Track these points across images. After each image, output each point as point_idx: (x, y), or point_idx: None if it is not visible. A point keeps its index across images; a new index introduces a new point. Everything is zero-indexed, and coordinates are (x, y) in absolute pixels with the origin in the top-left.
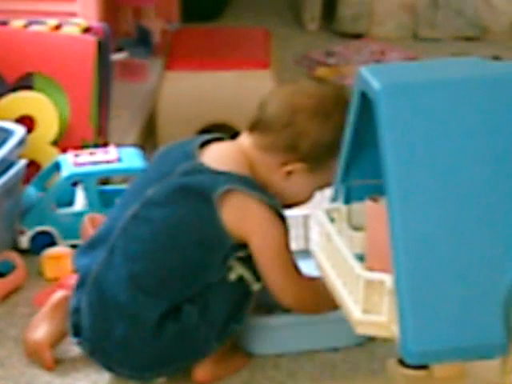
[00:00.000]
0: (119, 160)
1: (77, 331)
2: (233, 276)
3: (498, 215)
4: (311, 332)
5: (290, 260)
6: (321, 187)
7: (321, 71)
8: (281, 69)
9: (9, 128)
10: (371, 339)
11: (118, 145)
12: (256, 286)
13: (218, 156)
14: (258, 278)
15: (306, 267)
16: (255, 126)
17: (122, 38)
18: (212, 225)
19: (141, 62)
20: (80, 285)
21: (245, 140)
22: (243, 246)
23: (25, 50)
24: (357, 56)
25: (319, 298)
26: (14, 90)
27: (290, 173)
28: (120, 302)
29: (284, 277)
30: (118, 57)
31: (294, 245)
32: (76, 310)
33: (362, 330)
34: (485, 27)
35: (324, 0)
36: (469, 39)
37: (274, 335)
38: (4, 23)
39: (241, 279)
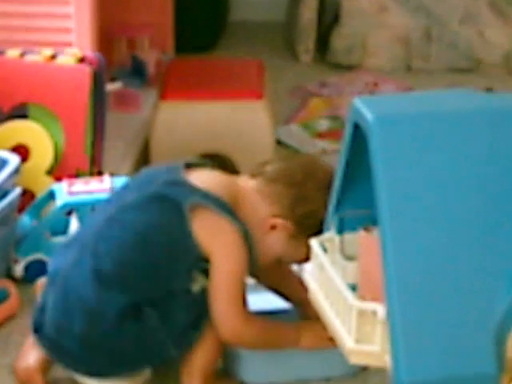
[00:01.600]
0: (113, 190)
1: (38, 329)
2: (196, 287)
3: (490, 246)
4: (304, 361)
5: (240, 292)
6: (288, 259)
7: (314, 102)
8: (274, 100)
9: (3, 157)
10: (364, 369)
11: (113, 174)
12: None
13: (204, 177)
14: None
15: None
16: (262, 173)
17: (117, 68)
18: (181, 233)
19: (135, 92)
20: (49, 284)
21: (245, 180)
22: (208, 259)
23: (20, 80)
24: (350, 87)
25: (260, 339)
26: (9, 119)
27: (273, 227)
28: (82, 296)
29: (229, 305)
30: (112, 87)
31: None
32: (41, 309)
33: (354, 360)
34: (478, 59)
35: (318, 32)
36: (462, 71)
37: (266, 364)
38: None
39: (204, 290)
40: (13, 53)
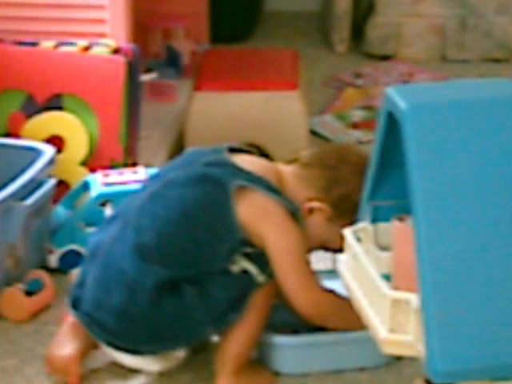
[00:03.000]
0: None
1: (76, 304)
2: (235, 268)
3: None
4: (338, 351)
5: (306, 265)
6: (329, 244)
7: (349, 93)
8: (309, 90)
9: (38, 148)
10: (398, 359)
11: (147, 165)
12: (260, 278)
13: (248, 160)
14: (262, 270)
15: (333, 287)
16: (298, 159)
17: (151, 58)
18: (225, 213)
19: (170, 82)
20: (89, 259)
21: (283, 166)
22: (252, 244)
23: (54, 71)
24: (385, 77)
25: (337, 310)
26: (44, 110)
27: (310, 210)
28: (121, 269)
29: (300, 279)
30: (147, 77)
31: (322, 265)
32: (80, 284)
33: (388, 350)
34: None
35: (353, 22)
36: (497, 61)
37: (301, 354)
38: (34, 44)
39: (244, 272)
40: (48, 44)
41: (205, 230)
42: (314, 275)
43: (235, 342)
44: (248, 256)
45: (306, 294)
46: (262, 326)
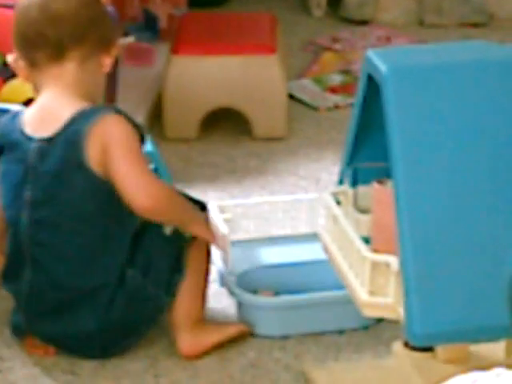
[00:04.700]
0: None
1: None
2: (167, 230)
3: (503, 196)
4: (317, 314)
5: (143, 159)
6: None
7: (326, 57)
8: (286, 54)
9: (14, 110)
10: (377, 321)
11: None
12: (189, 234)
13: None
14: None
15: (312, 251)
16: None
17: (129, 22)
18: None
19: (147, 46)
20: None
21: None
22: None
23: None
24: (362, 42)
25: (174, 204)
26: None
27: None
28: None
29: (138, 173)
30: (124, 41)
31: (301, 229)
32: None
33: (368, 312)
34: (491, 14)
35: None
36: (475, 25)
37: (280, 317)
38: (11, 6)
39: (176, 231)
40: None
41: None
42: (147, 167)
43: (183, 301)
44: None
45: (144, 188)
46: (206, 277)
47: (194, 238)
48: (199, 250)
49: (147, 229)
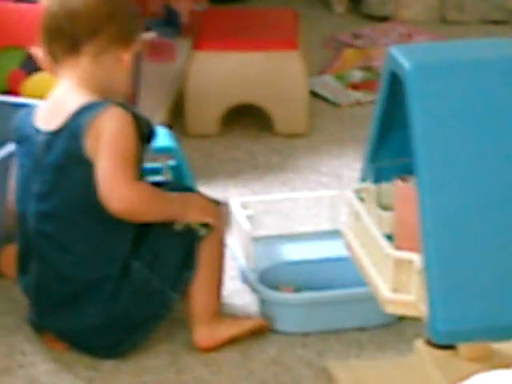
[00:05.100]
0: None
1: None
2: (179, 227)
3: None
4: (338, 311)
5: (125, 160)
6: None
7: (348, 53)
8: (308, 51)
9: (38, 105)
10: (399, 319)
11: None
12: (203, 231)
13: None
14: (203, 224)
15: (333, 248)
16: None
17: (150, 18)
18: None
19: (169, 41)
20: None
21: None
22: None
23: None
24: (384, 38)
25: (152, 205)
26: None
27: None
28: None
29: (114, 175)
30: (146, 37)
31: (323, 225)
32: None
33: (390, 309)
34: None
35: None
36: (496, 22)
37: (302, 313)
38: (33, 1)
39: (187, 228)
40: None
41: None
42: (133, 173)
43: (198, 295)
44: None
45: (118, 191)
46: (220, 273)
47: (207, 235)
48: (212, 243)
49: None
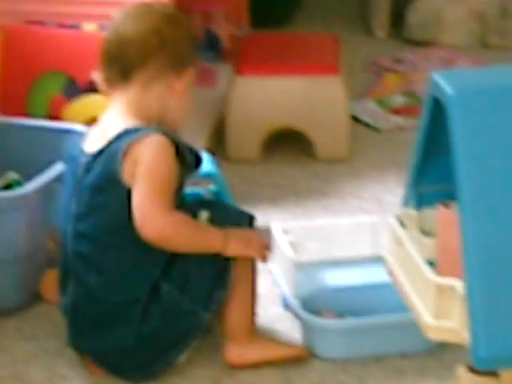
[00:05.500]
0: None
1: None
2: None
3: None
4: (380, 337)
5: (161, 189)
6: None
7: (389, 78)
8: (348, 75)
9: (79, 130)
10: (440, 345)
11: None
12: None
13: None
14: None
15: (375, 274)
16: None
17: None
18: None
19: (210, 66)
20: None
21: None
22: None
23: (96, 54)
24: (425, 63)
25: (183, 235)
26: (85, 93)
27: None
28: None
29: (149, 203)
30: None
31: (364, 251)
32: None
33: (433, 336)
34: None
35: (393, 7)
36: None
37: (344, 339)
38: (76, 27)
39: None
40: (89, 27)
41: None
42: (169, 203)
43: (233, 315)
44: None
45: (151, 220)
46: (254, 293)
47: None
48: (245, 263)
49: None
